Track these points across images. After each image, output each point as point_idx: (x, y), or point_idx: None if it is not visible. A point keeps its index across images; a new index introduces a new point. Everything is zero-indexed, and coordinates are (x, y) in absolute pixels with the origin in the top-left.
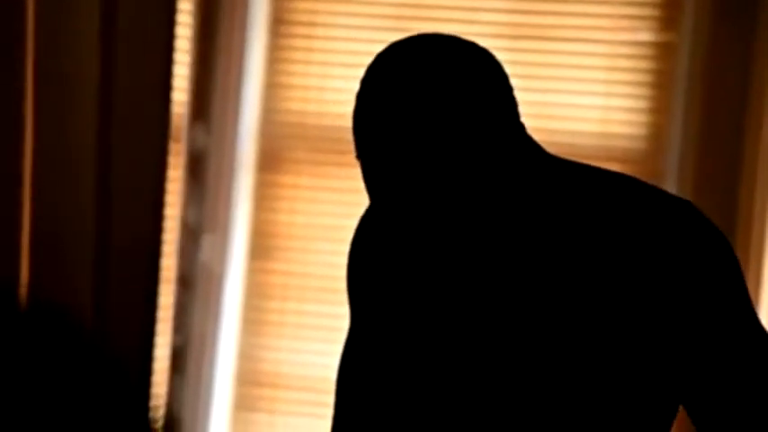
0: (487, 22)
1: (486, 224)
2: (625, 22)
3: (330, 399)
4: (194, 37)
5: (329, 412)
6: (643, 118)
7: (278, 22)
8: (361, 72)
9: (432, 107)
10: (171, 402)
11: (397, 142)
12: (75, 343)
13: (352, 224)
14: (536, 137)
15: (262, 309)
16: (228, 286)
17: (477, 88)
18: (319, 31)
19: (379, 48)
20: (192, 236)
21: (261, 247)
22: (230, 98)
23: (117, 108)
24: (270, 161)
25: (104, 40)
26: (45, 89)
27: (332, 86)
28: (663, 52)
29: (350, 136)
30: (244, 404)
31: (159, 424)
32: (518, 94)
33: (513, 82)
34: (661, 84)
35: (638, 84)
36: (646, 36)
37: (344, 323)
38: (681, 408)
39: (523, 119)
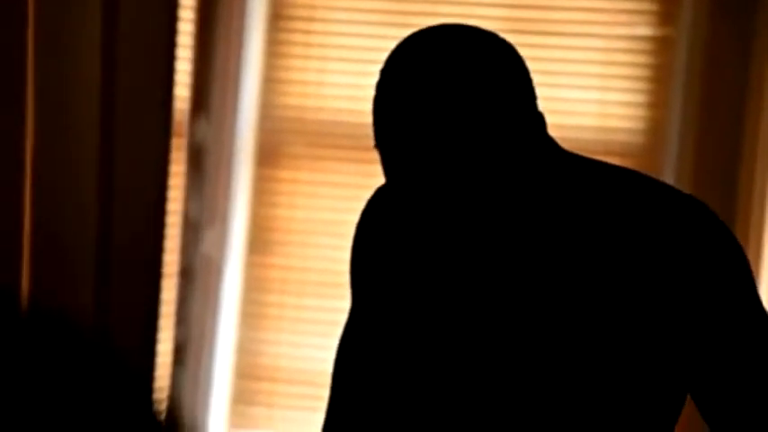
0: (485, 17)
1: (498, 216)
2: (623, 17)
3: (326, 392)
4: (195, 32)
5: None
6: (641, 112)
7: (276, 18)
8: (358, 67)
9: (451, 97)
10: (173, 395)
11: (415, 131)
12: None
13: (352, 218)
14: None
15: (260, 303)
16: (227, 280)
17: (497, 79)
18: (318, 26)
19: (377, 42)
20: (191, 230)
21: (260, 242)
22: (229, 93)
23: (119, 104)
24: (268, 156)
25: (106, 36)
26: (46, 85)
27: (330, 81)
28: (661, 46)
29: (348, 130)
30: (242, 398)
31: (162, 416)
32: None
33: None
34: (659, 78)
35: (636, 78)
36: (644, 30)
37: (343, 317)
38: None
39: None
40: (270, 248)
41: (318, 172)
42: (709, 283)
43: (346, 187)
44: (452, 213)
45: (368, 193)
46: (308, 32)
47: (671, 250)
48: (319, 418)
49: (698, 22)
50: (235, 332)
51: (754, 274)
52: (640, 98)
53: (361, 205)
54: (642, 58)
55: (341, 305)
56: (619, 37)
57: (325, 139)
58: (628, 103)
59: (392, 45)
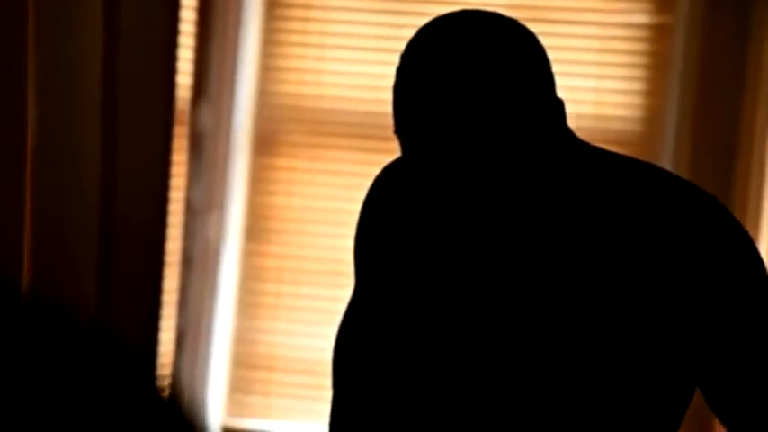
0: (481, 4)
1: (509, 204)
2: (620, 4)
3: (325, 381)
4: (197, 20)
5: (324, 394)
6: (638, 100)
7: (273, 5)
8: (356, 55)
9: (471, 84)
10: (176, 383)
11: (435, 118)
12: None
13: (349, 207)
14: None
15: (257, 291)
16: (224, 269)
17: (516, 66)
18: (315, 14)
19: (375, 30)
20: (192, 218)
21: (257, 230)
22: (226, 81)
23: (120, 92)
24: (266, 144)
25: (108, 24)
26: (48, 74)
27: (328, 69)
28: (658, 34)
29: (346, 118)
30: (239, 386)
31: (166, 396)
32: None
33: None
34: (656, 66)
35: (633, 66)
36: (641, 18)
37: (340, 306)
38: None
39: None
40: (267, 237)
41: (316, 160)
42: (721, 279)
43: (344, 175)
44: (464, 199)
45: (365, 182)
46: (305, 20)
47: (683, 244)
48: (316, 406)
49: (695, 9)
50: (231, 321)
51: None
52: (637, 86)
53: (359, 194)
54: (639, 46)
55: (338, 294)
56: (616, 24)
57: (323, 127)
58: (625, 91)
59: (389, 33)
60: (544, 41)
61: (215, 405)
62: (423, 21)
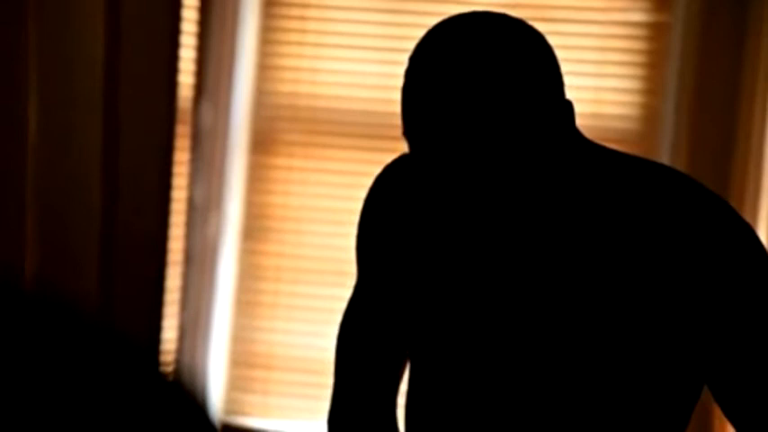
0: (480, 3)
1: (517, 204)
2: (618, 3)
3: (324, 380)
4: (198, 19)
5: (323, 393)
6: (636, 98)
7: (270, 4)
8: (353, 54)
9: (479, 86)
10: (178, 374)
11: (443, 120)
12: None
13: (346, 206)
14: None
15: (255, 290)
16: (222, 268)
17: (525, 67)
18: (313, 13)
19: (372, 29)
20: (191, 217)
21: (254, 229)
22: (223, 80)
23: (122, 91)
24: (263, 143)
25: (109, 24)
26: (49, 73)
27: (325, 68)
28: (656, 32)
29: (343, 117)
30: (237, 385)
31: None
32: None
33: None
34: (654, 64)
35: (631, 64)
36: (638, 16)
37: (339, 305)
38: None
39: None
40: (264, 236)
41: (313, 159)
42: (728, 277)
43: (341, 174)
44: (473, 199)
45: (363, 180)
46: (303, 19)
47: (693, 244)
48: (314, 405)
49: (693, 7)
50: (229, 319)
51: None
52: (635, 84)
53: (357, 192)
54: (637, 44)
55: (336, 292)
56: (614, 23)
57: (321, 126)
58: (623, 90)
59: (386, 32)
60: None
61: (213, 404)
62: (420, 20)
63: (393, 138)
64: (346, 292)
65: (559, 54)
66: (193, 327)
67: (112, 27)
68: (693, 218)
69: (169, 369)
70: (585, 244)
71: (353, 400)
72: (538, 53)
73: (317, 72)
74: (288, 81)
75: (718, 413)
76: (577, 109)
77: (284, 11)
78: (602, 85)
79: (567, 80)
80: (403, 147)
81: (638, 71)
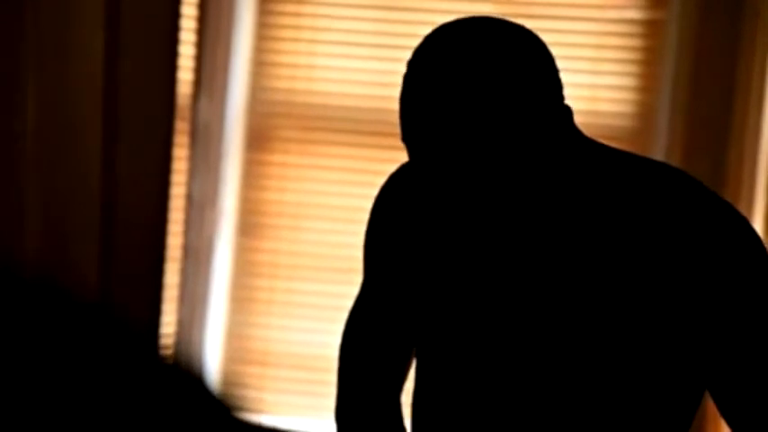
0: (475, 0)
1: (519, 206)
2: (613, 0)
3: (319, 376)
4: (198, 16)
5: (318, 389)
6: (631, 95)
7: (266, 0)
8: (349, 50)
9: (478, 91)
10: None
11: (442, 126)
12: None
13: (341, 202)
14: None
15: (251, 287)
16: (217, 264)
17: (523, 72)
18: (307, 9)
19: (367, 25)
20: (190, 212)
21: (250, 226)
22: (218, 77)
23: (122, 88)
24: (258, 139)
25: (108, 20)
26: (49, 68)
27: (320, 64)
28: (651, 30)
29: (338, 113)
30: (233, 381)
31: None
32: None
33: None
34: (649, 61)
35: (627, 61)
36: (634, 13)
37: (334, 301)
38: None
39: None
40: (260, 232)
41: (308, 155)
42: (729, 277)
43: (337, 171)
44: (474, 203)
45: (358, 177)
46: (297, 15)
47: (691, 244)
48: (310, 401)
49: (688, 5)
50: (225, 316)
51: None
52: (630, 81)
53: (352, 189)
54: (632, 42)
55: (331, 289)
56: (609, 20)
57: (316, 122)
58: (618, 87)
59: (382, 28)
60: None
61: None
62: (416, 17)
63: (389, 134)
64: (342, 288)
65: (555, 51)
66: (189, 323)
67: (112, 23)
68: (693, 216)
69: (169, 353)
70: (586, 244)
71: (360, 396)
72: (536, 58)
73: (312, 69)
74: (283, 78)
75: (711, 414)
76: (573, 106)
77: (279, 7)
78: (597, 82)
79: (562, 77)
80: (400, 145)
81: (634, 68)
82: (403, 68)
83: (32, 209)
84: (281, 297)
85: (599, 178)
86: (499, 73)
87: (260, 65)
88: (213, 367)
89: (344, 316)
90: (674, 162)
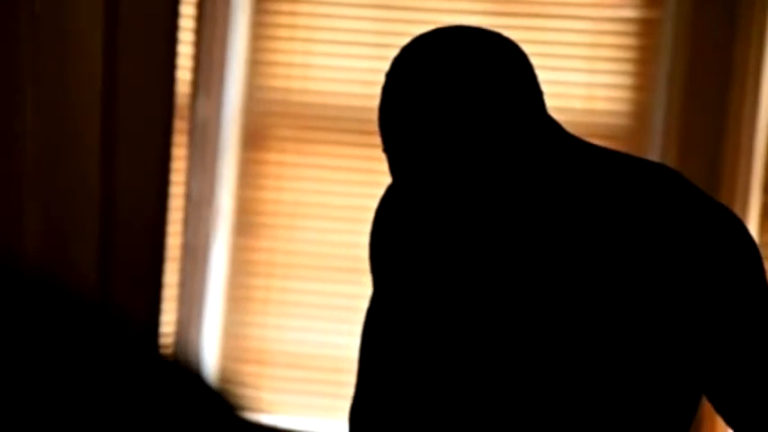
0: (472, 0)
1: (509, 213)
2: None
3: (315, 375)
4: (196, 15)
5: (314, 388)
6: (627, 94)
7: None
8: (344, 49)
9: (457, 100)
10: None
11: (423, 136)
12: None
13: (337, 201)
14: None
15: (247, 286)
16: (214, 263)
17: (502, 80)
18: (303, 8)
19: (363, 24)
20: (189, 211)
21: (246, 225)
22: (214, 76)
23: (120, 87)
24: (254, 139)
25: (108, 19)
26: (48, 69)
27: (316, 63)
28: (646, 28)
29: (334, 113)
30: (229, 380)
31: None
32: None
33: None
34: (645, 60)
35: (622, 60)
36: (629, 12)
37: (330, 300)
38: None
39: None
40: (256, 231)
41: (304, 155)
42: (720, 280)
43: (332, 170)
44: (463, 212)
45: (354, 176)
46: (293, 14)
47: (685, 247)
48: (306, 400)
49: (683, 4)
50: (221, 315)
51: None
52: (626, 80)
53: (348, 188)
54: (628, 40)
55: (328, 288)
56: (605, 19)
57: (312, 121)
58: (614, 86)
59: (377, 27)
60: (533, 35)
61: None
62: (411, 15)
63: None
64: (339, 287)
65: (551, 50)
66: (186, 321)
67: (111, 22)
68: (685, 218)
69: (169, 350)
70: (579, 247)
71: (375, 401)
72: (513, 65)
73: (308, 67)
74: (279, 77)
75: (707, 414)
76: (568, 105)
77: (275, 6)
78: (592, 81)
79: (558, 76)
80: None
81: (629, 67)
82: None
83: (32, 208)
84: (278, 296)
85: (590, 181)
86: (477, 80)
87: (256, 64)
88: (210, 366)
89: (342, 315)
90: (670, 160)
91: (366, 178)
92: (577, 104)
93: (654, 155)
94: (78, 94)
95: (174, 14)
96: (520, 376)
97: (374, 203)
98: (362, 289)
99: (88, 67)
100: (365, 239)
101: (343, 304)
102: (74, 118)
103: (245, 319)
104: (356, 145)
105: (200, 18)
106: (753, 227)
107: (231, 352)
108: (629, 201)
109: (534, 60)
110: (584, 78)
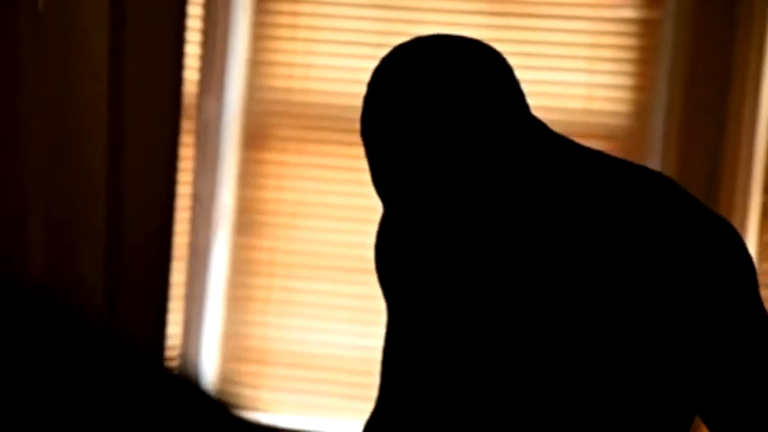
0: (471, 0)
1: (500, 218)
2: None
3: (316, 374)
4: (203, 15)
5: (315, 388)
6: (627, 95)
7: (262, 0)
8: (345, 49)
9: (439, 108)
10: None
11: (406, 144)
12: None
13: (338, 201)
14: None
15: (248, 285)
16: (215, 263)
17: (483, 87)
18: (304, 8)
19: (364, 24)
20: (195, 211)
21: (247, 224)
22: (216, 76)
23: (127, 87)
24: (255, 138)
25: (114, 19)
26: (55, 69)
27: (318, 63)
28: (647, 29)
29: (335, 112)
30: (230, 380)
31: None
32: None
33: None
34: (645, 60)
35: (622, 60)
36: (630, 12)
37: (331, 299)
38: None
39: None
40: (257, 231)
41: (305, 154)
42: (710, 286)
43: (333, 169)
44: (452, 217)
45: (355, 176)
46: (294, 14)
47: (673, 253)
48: (307, 400)
49: (683, 4)
50: (222, 314)
51: (759, 279)
52: (626, 80)
53: (349, 187)
54: (628, 41)
55: (328, 287)
56: (605, 19)
57: (313, 121)
58: (614, 86)
59: (378, 27)
60: (533, 36)
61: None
62: (411, 15)
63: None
64: (339, 286)
65: (551, 50)
66: (187, 320)
67: (117, 22)
68: (672, 223)
69: (174, 364)
70: (567, 255)
71: (394, 410)
72: (494, 72)
73: (309, 67)
74: (280, 77)
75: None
76: (568, 105)
77: (276, 6)
78: (593, 81)
79: (558, 76)
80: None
81: (629, 67)
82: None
83: (37, 207)
84: (279, 295)
85: (577, 181)
86: (458, 88)
87: (257, 64)
88: (211, 365)
89: (343, 314)
90: (670, 161)
91: (367, 178)
92: (577, 104)
93: (654, 155)
94: (84, 94)
95: (181, 14)
96: (515, 383)
97: (375, 203)
98: (364, 289)
99: (93, 66)
100: (366, 239)
101: (345, 304)
102: (80, 117)
103: (246, 318)
104: (357, 145)
105: (207, 18)
106: (753, 227)
107: (232, 351)
108: (616, 201)
109: (534, 61)
110: (584, 78)
